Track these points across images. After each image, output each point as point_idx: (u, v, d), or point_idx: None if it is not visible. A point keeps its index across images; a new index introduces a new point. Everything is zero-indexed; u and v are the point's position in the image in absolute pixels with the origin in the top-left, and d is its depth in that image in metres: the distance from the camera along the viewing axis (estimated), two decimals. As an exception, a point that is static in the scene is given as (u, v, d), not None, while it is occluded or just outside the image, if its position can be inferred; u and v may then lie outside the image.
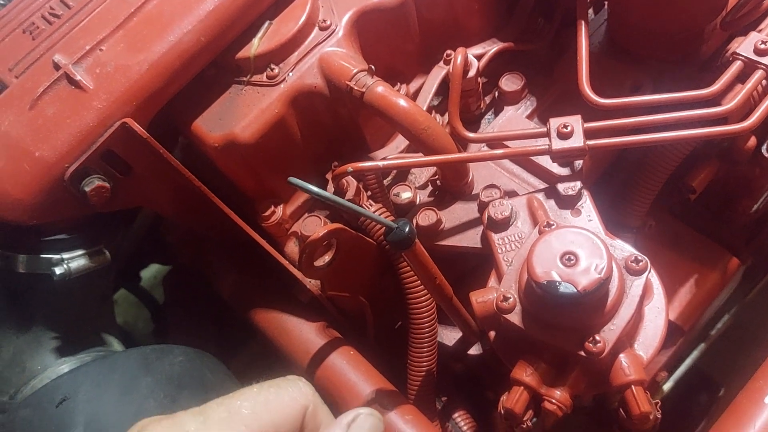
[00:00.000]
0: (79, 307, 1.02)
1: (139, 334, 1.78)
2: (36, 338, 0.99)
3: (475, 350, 1.07)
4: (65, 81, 0.93)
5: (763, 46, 0.87)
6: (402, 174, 1.10)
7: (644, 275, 0.79)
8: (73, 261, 0.96)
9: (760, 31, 0.92)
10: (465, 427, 1.05)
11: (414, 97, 1.13)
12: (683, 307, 1.10)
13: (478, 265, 1.09)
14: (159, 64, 0.93)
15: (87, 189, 0.91)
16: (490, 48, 1.11)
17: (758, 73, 0.87)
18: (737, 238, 1.18)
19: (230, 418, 0.54)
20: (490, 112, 1.15)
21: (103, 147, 0.91)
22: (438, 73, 1.10)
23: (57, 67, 0.95)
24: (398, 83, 1.12)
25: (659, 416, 0.77)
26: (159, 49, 0.93)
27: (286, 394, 0.58)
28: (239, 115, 0.98)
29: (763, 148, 1.03)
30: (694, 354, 1.26)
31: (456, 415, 1.05)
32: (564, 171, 0.96)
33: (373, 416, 0.60)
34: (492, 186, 0.97)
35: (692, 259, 1.12)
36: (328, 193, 0.74)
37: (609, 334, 0.76)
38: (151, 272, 1.78)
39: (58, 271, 0.94)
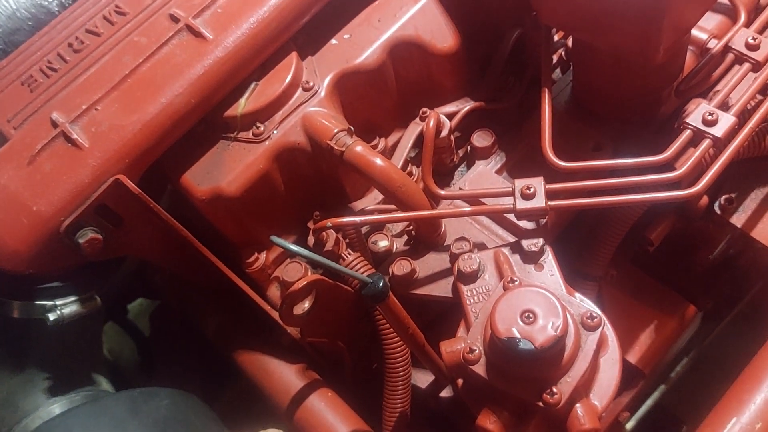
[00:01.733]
0: (70, 349, 1.07)
1: (125, 362, 1.79)
2: (29, 379, 1.04)
3: (446, 392, 1.13)
4: (62, 139, 0.99)
5: (710, 117, 0.94)
6: (380, 222, 1.16)
7: (598, 330, 0.86)
8: (66, 307, 1.01)
9: (710, 101, 0.99)
10: (436, 465, 1.11)
11: (392, 149, 1.19)
12: (644, 352, 1.16)
13: (449, 309, 1.15)
14: (151, 124, 0.99)
15: (81, 241, 0.96)
16: (463, 107, 1.18)
17: (706, 142, 0.94)
18: (695, 286, 1.25)
19: None
20: (463, 164, 1.22)
21: (97, 202, 0.97)
22: (414, 129, 1.17)
23: (55, 124, 1.00)
24: (377, 137, 1.19)
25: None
26: (152, 110, 0.99)
27: None
28: (226, 170, 1.04)
29: (716, 206, 1.10)
30: (655, 395, 1.32)
31: (427, 453, 1.11)
32: (530, 225, 1.03)
33: None
34: (462, 239, 1.04)
35: (652, 306, 1.18)
36: (307, 250, 0.80)
37: (565, 386, 0.82)
38: (137, 301, 1.81)
39: (51, 317, 0.99)
